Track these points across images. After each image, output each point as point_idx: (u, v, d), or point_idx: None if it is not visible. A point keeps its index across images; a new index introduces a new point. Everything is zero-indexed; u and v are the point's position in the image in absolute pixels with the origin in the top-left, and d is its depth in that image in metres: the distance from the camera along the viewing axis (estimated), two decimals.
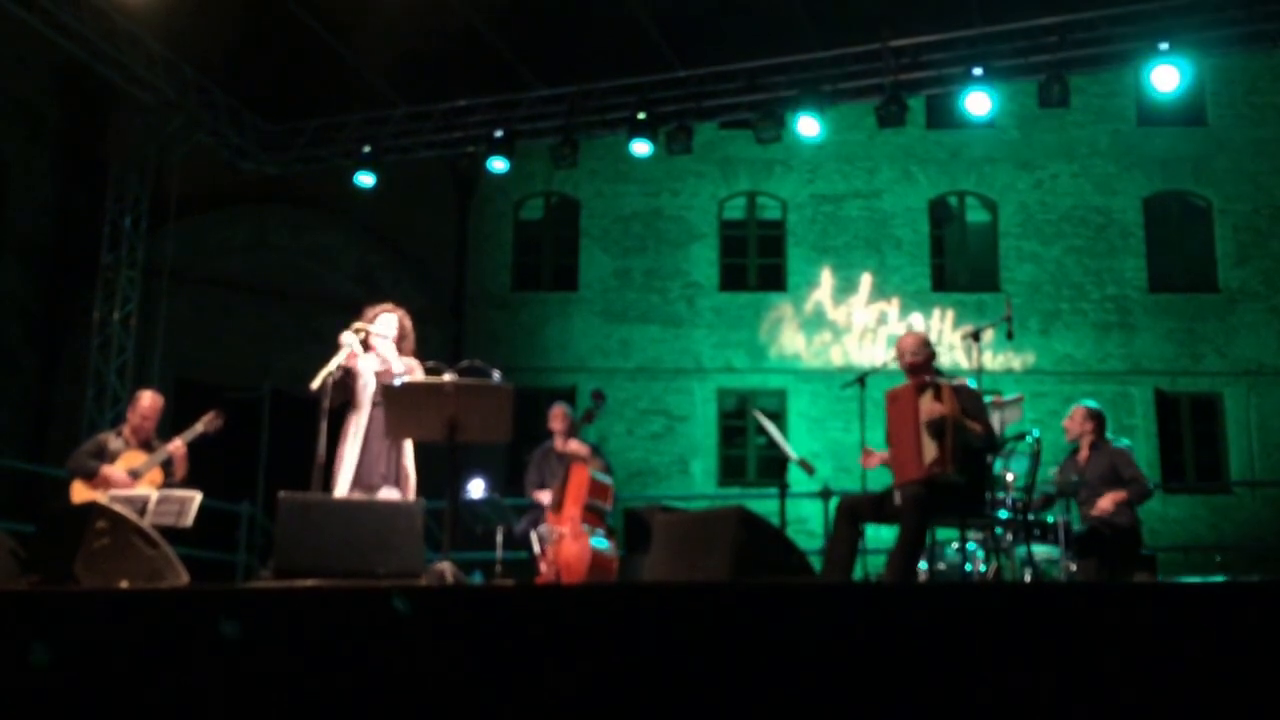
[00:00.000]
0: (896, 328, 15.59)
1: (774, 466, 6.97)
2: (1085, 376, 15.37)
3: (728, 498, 14.45)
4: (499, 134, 11.29)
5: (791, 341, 16.03)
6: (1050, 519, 6.77)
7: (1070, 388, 14.75)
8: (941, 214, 16.58)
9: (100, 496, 6.67)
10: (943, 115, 15.62)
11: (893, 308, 15.97)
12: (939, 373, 6.09)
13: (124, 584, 4.49)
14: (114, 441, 7.23)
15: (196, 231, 13.45)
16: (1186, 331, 15.68)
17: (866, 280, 16.08)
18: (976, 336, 7.01)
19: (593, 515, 7.61)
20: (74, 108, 13.34)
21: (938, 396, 5.74)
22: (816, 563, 6.47)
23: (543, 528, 7.70)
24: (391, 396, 5.61)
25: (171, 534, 5.96)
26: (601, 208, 16.68)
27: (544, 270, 16.99)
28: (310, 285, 14.71)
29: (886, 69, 10.29)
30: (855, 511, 5.88)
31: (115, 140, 12.39)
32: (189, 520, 6.63)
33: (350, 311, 6.45)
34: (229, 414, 7.32)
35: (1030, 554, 6.37)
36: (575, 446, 7.90)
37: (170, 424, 7.59)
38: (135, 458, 7.14)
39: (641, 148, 11.01)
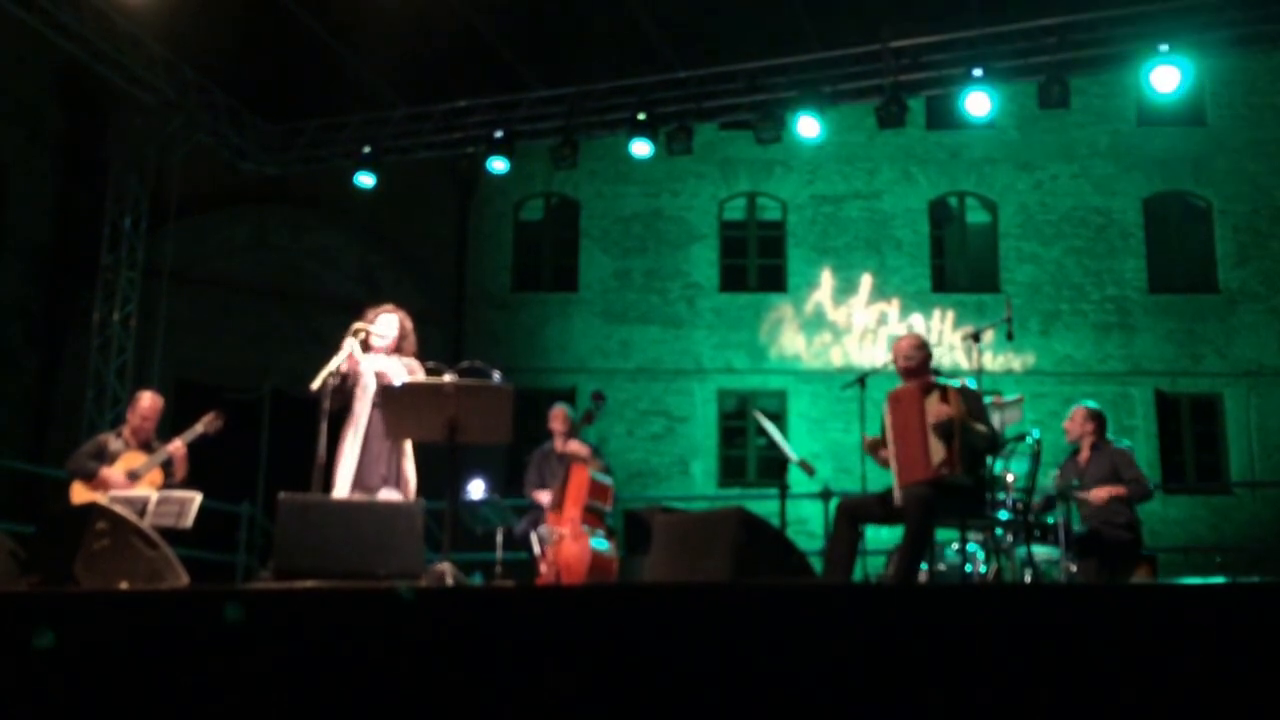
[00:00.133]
0: (897, 328, 15.59)
1: (774, 467, 6.96)
2: (1085, 377, 15.37)
3: (728, 499, 14.45)
4: (499, 134, 11.29)
5: (792, 342, 16.03)
6: (1051, 520, 6.77)
7: (1070, 388, 14.74)
8: (941, 215, 16.59)
9: (100, 498, 6.66)
10: (943, 116, 15.62)
11: (893, 308, 15.97)
12: (936, 374, 6.10)
13: (124, 585, 4.49)
14: (114, 442, 7.22)
15: (196, 232, 13.46)
16: (1186, 332, 15.68)
17: (866, 281, 16.08)
18: (976, 337, 7.01)
19: (593, 516, 7.61)
20: (74, 108, 13.34)
21: (944, 398, 5.74)
22: (817, 564, 6.47)
23: (543, 529, 7.70)
24: (392, 397, 5.61)
25: (171, 535, 5.96)
26: (601, 208, 16.68)
27: (544, 271, 17.00)
28: (310, 285, 14.72)
29: (886, 70, 10.29)
30: (855, 512, 5.88)
31: (115, 141, 12.39)
32: (189, 521, 6.62)
33: (350, 312, 6.45)
34: (229, 415, 7.32)
35: (1030, 555, 6.37)
36: (575, 447, 7.90)
37: (170, 425, 7.59)
38: (135, 459, 7.14)
39: (641, 148, 11.00)
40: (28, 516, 9.18)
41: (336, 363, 5.83)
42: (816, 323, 16.04)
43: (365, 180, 11.57)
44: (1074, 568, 6.55)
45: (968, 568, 6.45)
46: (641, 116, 10.89)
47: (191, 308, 13.18)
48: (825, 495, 10.39)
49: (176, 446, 7.12)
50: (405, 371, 6.06)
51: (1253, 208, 15.93)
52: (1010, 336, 8.00)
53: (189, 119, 11.69)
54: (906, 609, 3.08)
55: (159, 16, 10.04)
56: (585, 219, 16.76)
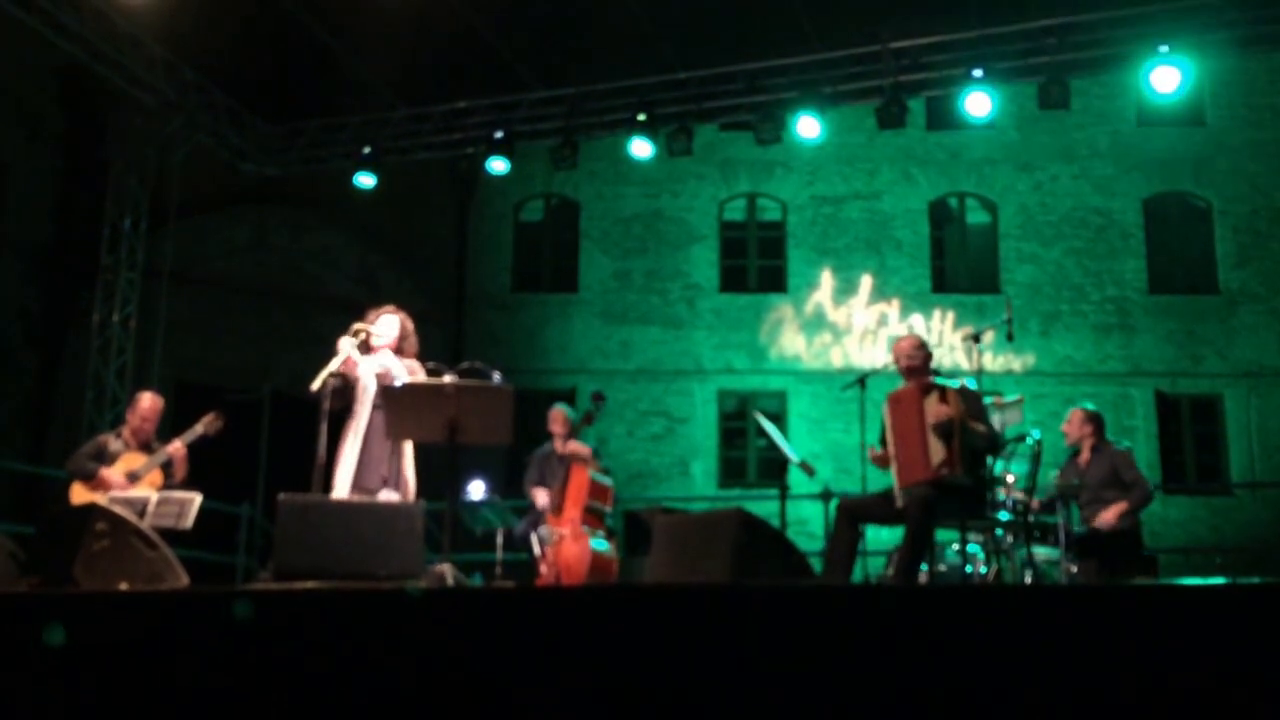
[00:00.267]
0: (897, 329, 15.59)
1: (774, 468, 6.96)
2: (1085, 378, 15.36)
3: (728, 499, 14.46)
4: (498, 135, 11.29)
5: (792, 343, 16.03)
6: (1051, 520, 6.77)
7: (1070, 389, 14.74)
8: (941, 215, 16.58)
9: (100, 498, 6.65)
10: (943, 117, 15.62)
11: (893, 309, 15.97)
12: (936, 375, 6.10)
13: (123, 586, 4.48)
14: (114, 443, 7.22)
15: (196, 232, 13.46)
16: (1186, 333, 15.68)
17: (867, 282, 16.08)
18: (977, 338, 7.01)
19: (593, 517, 7.60)
20: (74, 109, 13.35)
21: (944, 398, 5.74)
22: (817, 564, 6.47)
23: (543, 529, 7.70)
24: (392, 397, 5.61)
25: (171, 536, 5.95)
26: (601, 209, 16.68)
27: (544, 272, 16.99)
28: (310, 286, 14.72)
29: (886, 70, 10.30)
30: (855, 513, 5.88)
31: (115, 141, 12.39)
32: (189, 522, 6.62)
33: (351, 312, 6.45)
34: (229, 415, 7.31)
35: (1031, 556, 6.37)
36: (575, 448, 7.90)
37: (170, 425, 7.58)
38: (135, 459, 7.13)
39: (642, 149, 11.01)
40: (27, 517, 9.18)
41: (335, 364, 5.83)
42: (817, 323, 16.04)
43: (365, 181, 11.57)
44: (1074, 568, 6.55)
45: (968, 568, 6.45)
46: (642, 117, 10.89)
47: (191, 308, 13.18)
48: (825, 496, 10.39)
49: (176, 447, 7.11)
50: (405, 371, 6.06)
51: (1253, 208, 15.93)
52: (1010, 337, 8.00)
53: (189, 120, 11.70)
54: (906, 610, 3.07)
55: (159, 17, 10.04)
56: (585, 220, 16.76)
